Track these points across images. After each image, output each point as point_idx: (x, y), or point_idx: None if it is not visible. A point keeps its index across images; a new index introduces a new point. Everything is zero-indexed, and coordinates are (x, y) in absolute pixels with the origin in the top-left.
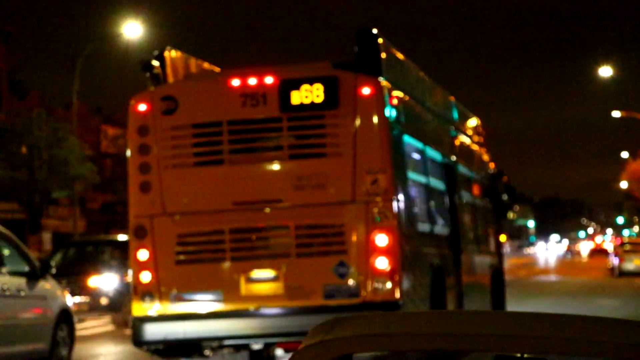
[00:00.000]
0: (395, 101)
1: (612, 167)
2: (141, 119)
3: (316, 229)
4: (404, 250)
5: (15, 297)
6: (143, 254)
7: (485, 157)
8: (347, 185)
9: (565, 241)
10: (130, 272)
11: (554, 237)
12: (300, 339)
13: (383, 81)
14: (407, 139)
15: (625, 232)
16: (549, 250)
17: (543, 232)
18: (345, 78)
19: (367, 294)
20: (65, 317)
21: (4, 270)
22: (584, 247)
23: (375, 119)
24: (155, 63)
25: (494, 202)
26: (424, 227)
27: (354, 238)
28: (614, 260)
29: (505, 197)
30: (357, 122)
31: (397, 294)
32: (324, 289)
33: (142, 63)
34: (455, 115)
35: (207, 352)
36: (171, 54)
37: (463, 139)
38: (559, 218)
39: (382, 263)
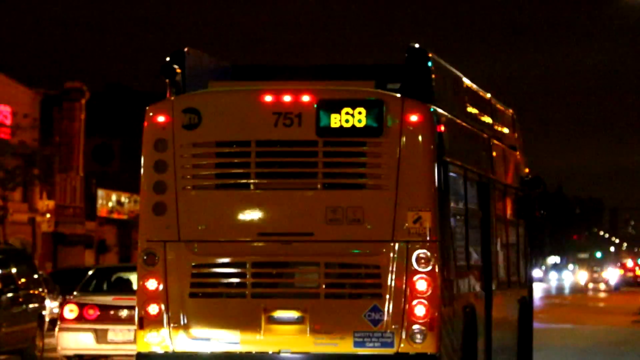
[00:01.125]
0: (443, 128)
1: None
2: (159, 132)
3: (349, 268)
4: (444, 298)
5: None
6: (152, 284)
7: (522, 167)
8: (386, 222)
9: (571, 265)
10: (136, 302)
11: (552, 258)
12: None
13: (431, 107)
14: (452, 169)
15: None
16: (563, 281)
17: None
18: (391, 102)
19: (403, 344)
20: None
21: None
22: (612, 275)
23: (422, 150)
24: (176, 67)
25: (528, 219)
26: (461, 267)
27: (391, 281)
28: None
29: (541, 211)
30: (402, 152)
31: (435, 347)
32: (354, 336)
33: (162, 66)
34: (507, 130)
35: None
36: (191, 54)
37: (505, 152)
38: (561, 227)
39: (421, 311)
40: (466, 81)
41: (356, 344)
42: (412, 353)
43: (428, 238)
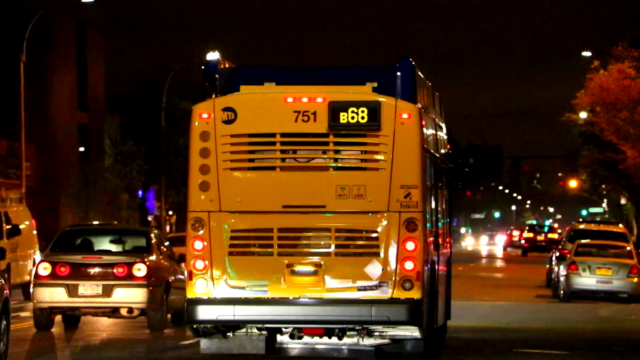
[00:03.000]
0: (422, 120)
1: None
2: (203, 126)
3: (354, 233)
4: (425, 255)
5: None
6: (199, 245)
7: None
8: (383, 197)
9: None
10: (186, 259)
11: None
12: (328, 326)
13: (418, 106)
14: (427, 155)
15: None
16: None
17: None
18: (387, 103)
19: (395, 291)
20: (5, 308)
21: None
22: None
23: (411, 141)
24: (216, 74)
25: (450, 189)
26: (431, 232)
27: (386, 243)
28: (560, 269)
29: (459, 182)
30: (395, 142)
31: (420, 294)
32: (357, 285)
33: (204, 74)
34: (441, 113)
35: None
36: (224, 63)
37: (442, 135)
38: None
39: (409, 266)
40: (429, 84)
41: (359, 291)
42: (403, 298)
43: (416, 209)
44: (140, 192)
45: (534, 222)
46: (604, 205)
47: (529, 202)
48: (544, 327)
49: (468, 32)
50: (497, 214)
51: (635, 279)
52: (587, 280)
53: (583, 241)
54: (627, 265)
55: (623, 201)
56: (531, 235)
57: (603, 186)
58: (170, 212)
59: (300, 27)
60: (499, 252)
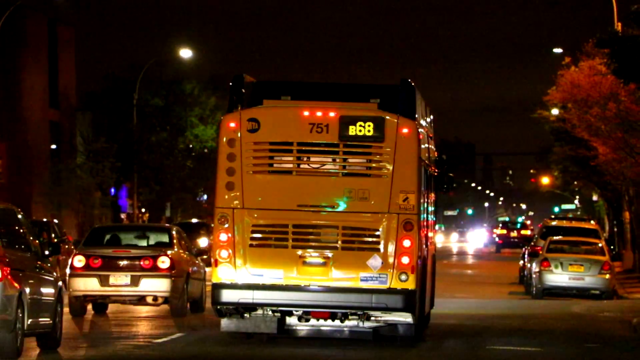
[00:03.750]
0: (419, 135)
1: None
2: (231, 134)
3: (358, 230)
4: (419, 252)
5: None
6: (223, 237)
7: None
8: (384, 200)
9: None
10: (212, 248)
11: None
12: (334, 311)
13: (416, 121)
14: (422, 164)
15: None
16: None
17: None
18: (390, 119)
19: (393, 282)
20: (59, 296)
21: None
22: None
23: (409, 153)
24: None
25: (437, 194)
26: (424, 231)
27: (386, 240)
28: (532, 266)
29: (445, 186)
30: (396, 153)
31: (414, 285)
32: (360, 276)
33: (231, 88)
34: (431, 124)
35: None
36: (246, 79)
37: (433, 147)
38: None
39: (405, 260)
40: (423, 101)
41: (362, 281)
42: (399, 288)
43: (412, 212)
44: (112, 190)
45: (507, 219)
46: (576, 202)
47: (501, 198)
48: (517, 324)
49: (441, 29)
50: (470, 211)
51: (607, 276)
52: (559, 277)
53: (555, 238)
54: (599, 261)
55: (595, 198)
56: (504, 232)
57: (575, 183)
58: (143, 210)
59: (271, 21)
60: (470, 249)
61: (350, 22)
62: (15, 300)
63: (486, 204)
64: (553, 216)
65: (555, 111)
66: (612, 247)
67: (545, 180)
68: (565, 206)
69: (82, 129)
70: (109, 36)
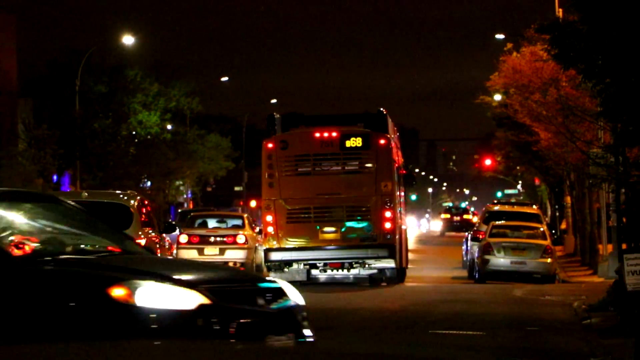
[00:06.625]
0: (392, 144)
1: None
2: (269, 152)
3: (356, 208)
4: (397, 219)
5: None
6: (269, 218)
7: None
8: (372, 187)
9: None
10: (262, 225)
11: None
12: (343, 261)
13: (388, 135)
14: (394, 164)
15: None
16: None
17: None
18: (373, 134)
19: (380, 239)
20: None
21: None
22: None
23: (386, 156)
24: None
25: (406, 187)
26: (399, 210)
27: (374, 212)
28: (475, 250)
29: (409, 182)
30: (378, 157)
31: (394, 241)
32: (359, 237)
33: (268, 121)
34: (399, 138)
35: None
36: (276, 115)
37: (399, 155)
38: None
39: (388, 225)
40: (392, 123)
41: (360, 240)
42: (385, 243)
43: (391, 193)
44: (55, 177)
45: (451, 204)
46: (519, 186)
47: (445, 184)
48: (460, 309)
49: (383, 15)
50: (413, 197)
51: (549, 260)
52: (501, 261)
53: (497, 223)
54: (541, 246)
55: (537, 182)
56: (448, 216)
57: (517, 168)
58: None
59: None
60: (412, 233)
61: (286, 7)
62: None
63: (430, 190)
64: (496, 201)
65: (497, 97)
66: (553, 231)
67: (488, 162)
68: (508, 191)
69: (24, 116)
70: (52, 22)
